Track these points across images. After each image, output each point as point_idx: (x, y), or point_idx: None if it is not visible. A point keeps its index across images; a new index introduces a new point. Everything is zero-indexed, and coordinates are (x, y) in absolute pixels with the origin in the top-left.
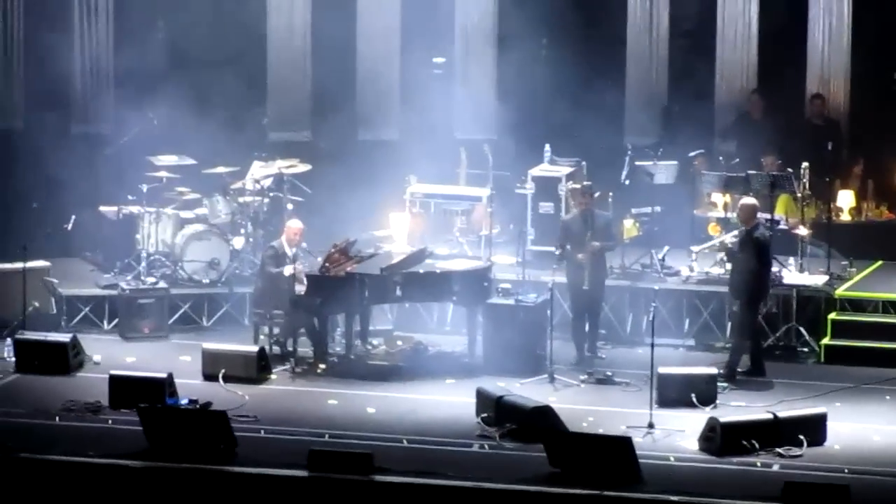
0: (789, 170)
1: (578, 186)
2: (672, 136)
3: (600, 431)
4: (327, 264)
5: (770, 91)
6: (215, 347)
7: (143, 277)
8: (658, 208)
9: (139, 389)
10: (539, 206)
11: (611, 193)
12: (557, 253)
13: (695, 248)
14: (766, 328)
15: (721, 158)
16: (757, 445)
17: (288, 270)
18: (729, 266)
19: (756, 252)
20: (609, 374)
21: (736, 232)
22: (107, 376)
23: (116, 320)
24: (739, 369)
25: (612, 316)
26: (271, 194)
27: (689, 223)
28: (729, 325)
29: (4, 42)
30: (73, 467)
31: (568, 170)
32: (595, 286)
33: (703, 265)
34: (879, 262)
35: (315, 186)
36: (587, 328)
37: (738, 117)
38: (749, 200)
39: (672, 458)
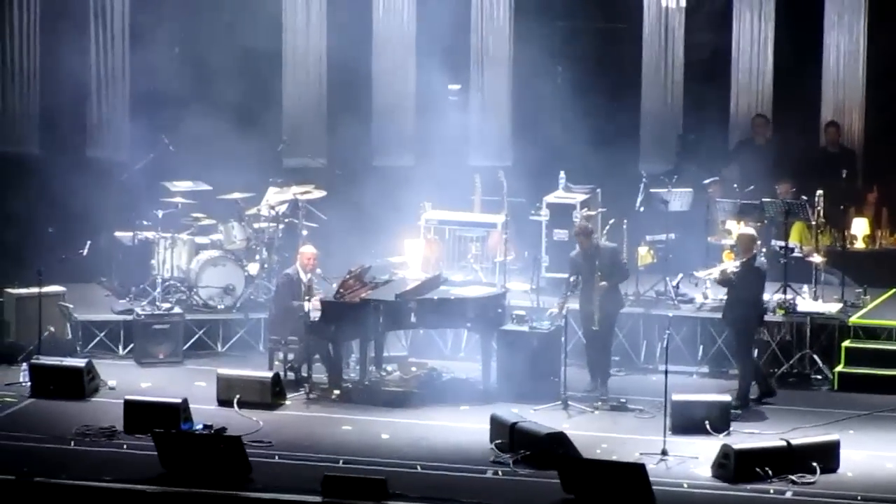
0: (804, 197)
1: (575, 227)
2: (687, 164)
3: (614, 458)
4: (342, 290)
5: (785, 119)
6: (230, 373)
7: (158, 303)
8: (672, 235)
9: (154, 414)
10: (553, 233)
11: (625, 220)
12: (571, 280)
13: (699, 274)
14: (779, 355)
15: (736, 186)
16: (770, 472)
17: (307, 307)
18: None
19: (756, 281)
20: (623, 400)
21: (737, 262)
22: (122, 401)
23: (132, 345)
24: (751, 396)
25: (627, 343)
26: (286, 220)
27: (704, 250)
28: None
29: (20, 66)
30: (87, 492)
31: (583, 197)
32: (605, 320)
33: (716, 292)
34: (893, 290)
35: (330, 212)
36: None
37: (739, 142)
38: (747, 230)
39: (685, 485)
